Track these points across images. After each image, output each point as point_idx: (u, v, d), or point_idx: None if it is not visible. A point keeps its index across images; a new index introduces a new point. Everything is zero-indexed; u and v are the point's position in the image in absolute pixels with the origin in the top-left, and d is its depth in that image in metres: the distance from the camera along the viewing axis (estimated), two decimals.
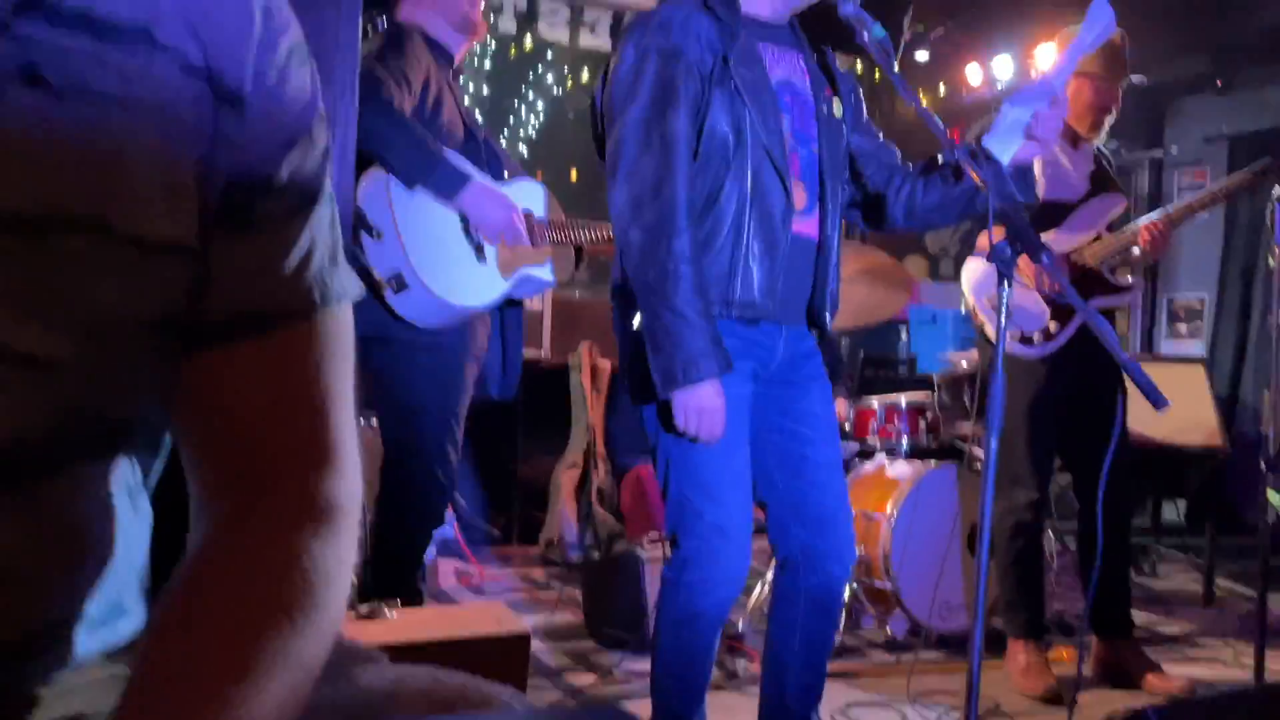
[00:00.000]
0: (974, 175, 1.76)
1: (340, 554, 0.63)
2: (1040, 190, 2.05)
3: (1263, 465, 2.73)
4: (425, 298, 2.30)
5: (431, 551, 3.82)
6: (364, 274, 2.31)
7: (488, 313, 2.54)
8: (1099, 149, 3.13)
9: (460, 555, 4.05)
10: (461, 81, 2.70)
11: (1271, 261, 2.73)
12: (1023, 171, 1.97)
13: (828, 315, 2.03)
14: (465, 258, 2.40)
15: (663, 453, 1.94)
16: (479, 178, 2.40)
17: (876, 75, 5.46)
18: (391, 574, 2.40)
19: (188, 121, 0.59)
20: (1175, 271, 6.50)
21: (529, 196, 2.58)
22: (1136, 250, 2.93)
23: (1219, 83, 5.93)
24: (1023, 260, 2.95)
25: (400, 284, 2.28)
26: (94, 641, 0.64)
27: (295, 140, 0.64)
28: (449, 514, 3.98)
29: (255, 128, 0.62)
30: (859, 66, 5.23)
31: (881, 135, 2.18)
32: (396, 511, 2.42)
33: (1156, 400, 1.48)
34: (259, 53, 0.62)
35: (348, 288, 0.68)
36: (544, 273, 2.60)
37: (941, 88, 5.89)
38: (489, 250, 2.45)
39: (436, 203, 2.34)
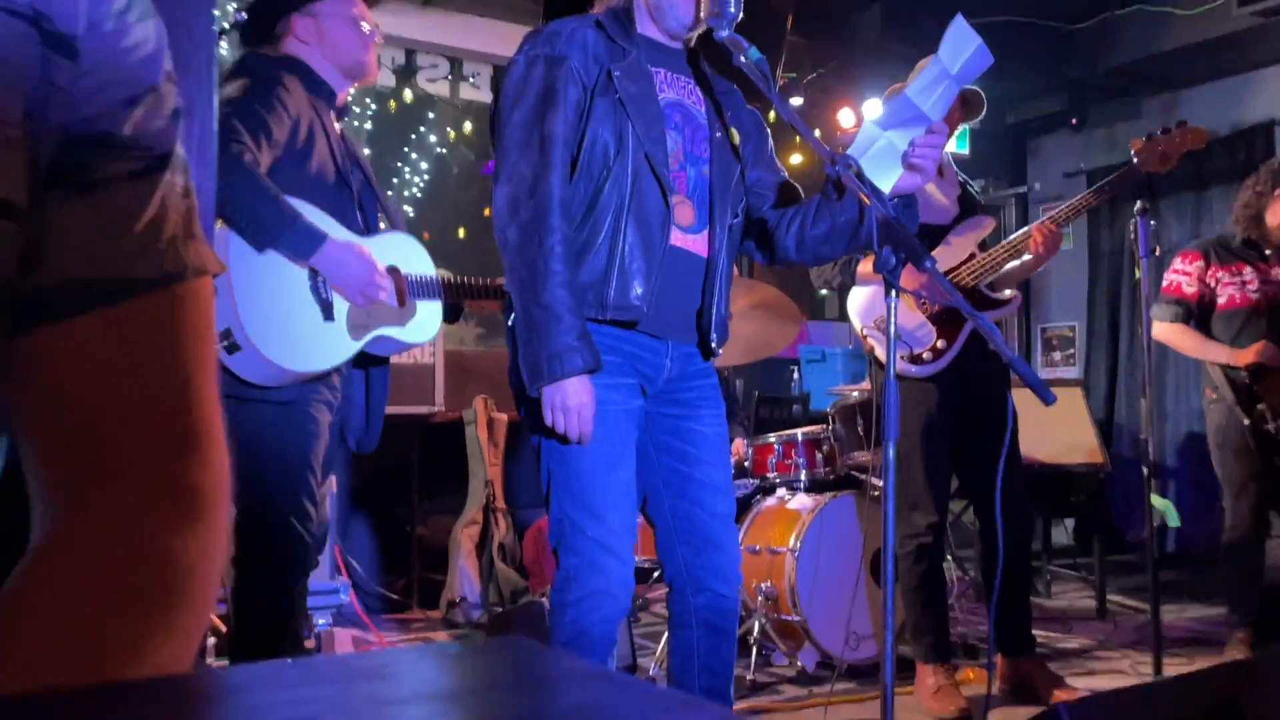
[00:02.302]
0: (857, 190, 1.78)
1: (204, 546, 0.57)
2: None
3: (1145, 470, 2.82)
4: (256, 359, 2.14)
5: (327, 620, 3.65)
6: None
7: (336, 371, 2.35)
8: (961, 176, 3.24)
9: (358, 623, 3.88)
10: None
11: (1138, 274, 2.85)
12: (907, 201, 1.99)
13: (714, 336, 2.02)
14: (309, 317, 2.23)
15: (545, 467, 1.94)
16: (339, 233, 2.26)
17: None
18: (259, 637, 2.24)
19: (11, 67, 0.53)
20: (1046, 301, 6.79)
21: (397, 251, 2.44)
22: (1028, 256, 3.02)
23: (1074, 121, 6.26)
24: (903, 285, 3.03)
25: (232, 344, 2.12)
26: None
27: (138, 96, 0.59)
28: (345, 582, 3.82)
29: (91, 79, 0.57)
30: None
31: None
32: (254, 570, 2.25)
33: (1043, 395, 1.51)
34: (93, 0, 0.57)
35: (206, 261, 0.62)
36: (403, 334, 2.42)
37: (817, 132, 6.07)
38: (339, 309, 2.29)
39: (283, 259, 2.19)
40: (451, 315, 2.62)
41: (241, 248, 2.15)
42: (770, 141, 2.19)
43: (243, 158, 2.08)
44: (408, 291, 2.42)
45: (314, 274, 2.25)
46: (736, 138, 2.07)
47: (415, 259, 2.48)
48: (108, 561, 0.54)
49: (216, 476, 0.59)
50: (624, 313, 1.90)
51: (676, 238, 1.95)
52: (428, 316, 2.48)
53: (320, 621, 3.59)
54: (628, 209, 1.89)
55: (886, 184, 1.91)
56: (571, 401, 1.80)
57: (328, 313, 2.27)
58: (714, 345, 2.02)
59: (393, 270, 2.41)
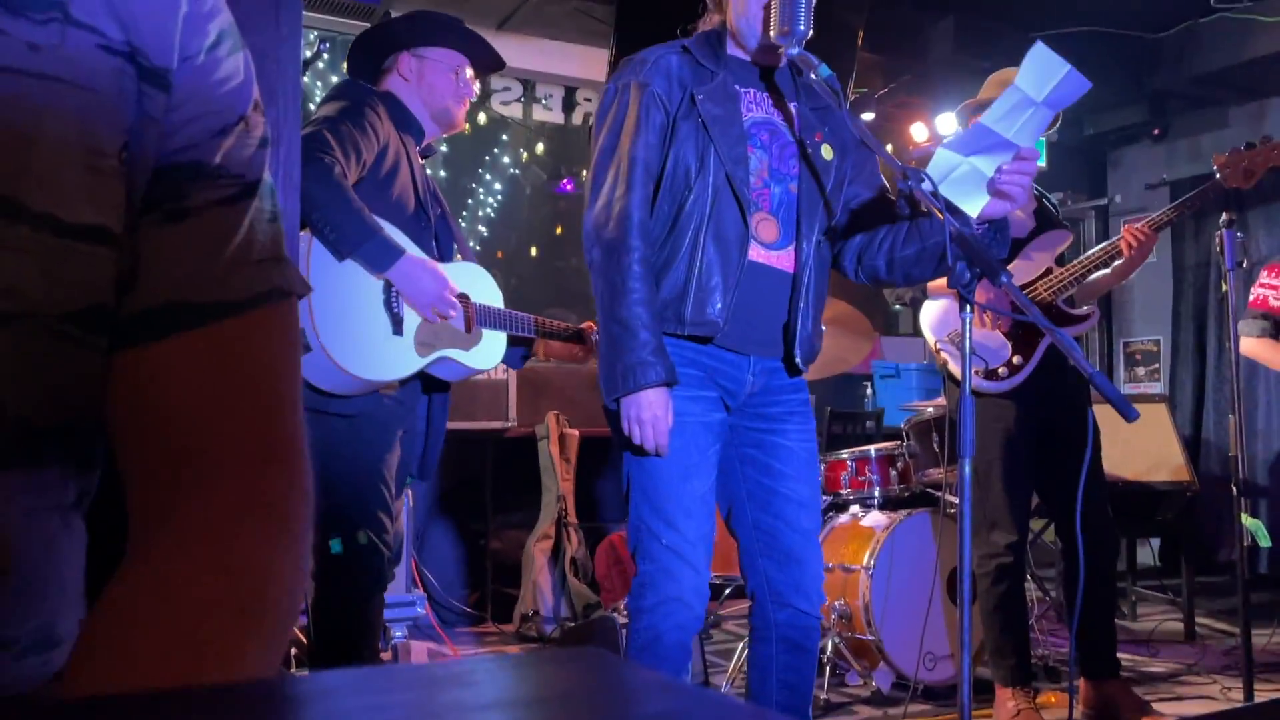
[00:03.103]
0: (929, 205, 1.77)
1: (290, 556, 0.59)
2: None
3: (1234, 489, 2.73)
4: (324, 362, 2.18)
5: (403, 632, 3.71)
6: None
7: (399, 384, 2.40)
8: (1037, 189, 3.18)
9: (433, 636, 3.93)
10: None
11: (1224, 287, 2.77)
12: (997, 226, 1.95)
13: (798, 352, 2.02)
14: (379, 328, 2.29)
15: (625, 474, 1.98)
16: (416, 252, 2.34)
17: None
18: (339, 649, 2.29)
19: (108, 101, 0.56)
20: (1128, 315, 6.62)
21: (469, 279, 2.51)
22: (1118, 261, 2.96)
23: (1156, 131, 6.11)
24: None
25: (304, 345, 2.17)
26: (21, 670, 0.58)
27: (228, 126, 0.62)
28: (420, 595, 3.88)
29: (183, 111, 0.60)
30: None
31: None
32: (334, 582, 2.32)
33: (1126, 411, 1.47)
34: (185, 33, 0.60)
35: (293, 283, 0.65)
36: (467, 359, 2.47)
37: (890, 147, 6.02)
38: (409, 324, 2.35)
39: (360, 269, 2.26)
40: (518, 359, 2.67)
41: (322, 254, 2.22)
42: (875, 157, 2.17)
43: (333, 169, 2.17)
44: (475, 319, 2.48)
45: (388, 287, 2.32)
46: (830, 154, 2.07)
47: (485, 289, 2.55)
48: (200, 570, 0.56)
49: (301, 489, 0.62)
50: (701, 328, 1.94)
51: (758, 254, 1.97)
52: (492, 345, 2.54)
53: (397, 634, 3.65)
54: (706, 227, 1.93)
55: (973, 209, 1.87)
56: (645, 414, 1.85)
57: (397, 326, 2.33)
58: (798, 360, 2.02)
59: (462, 297, 2.47)
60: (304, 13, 2.56)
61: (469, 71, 2.57)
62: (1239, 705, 2.91)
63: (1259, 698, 2.79)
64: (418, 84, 2.50)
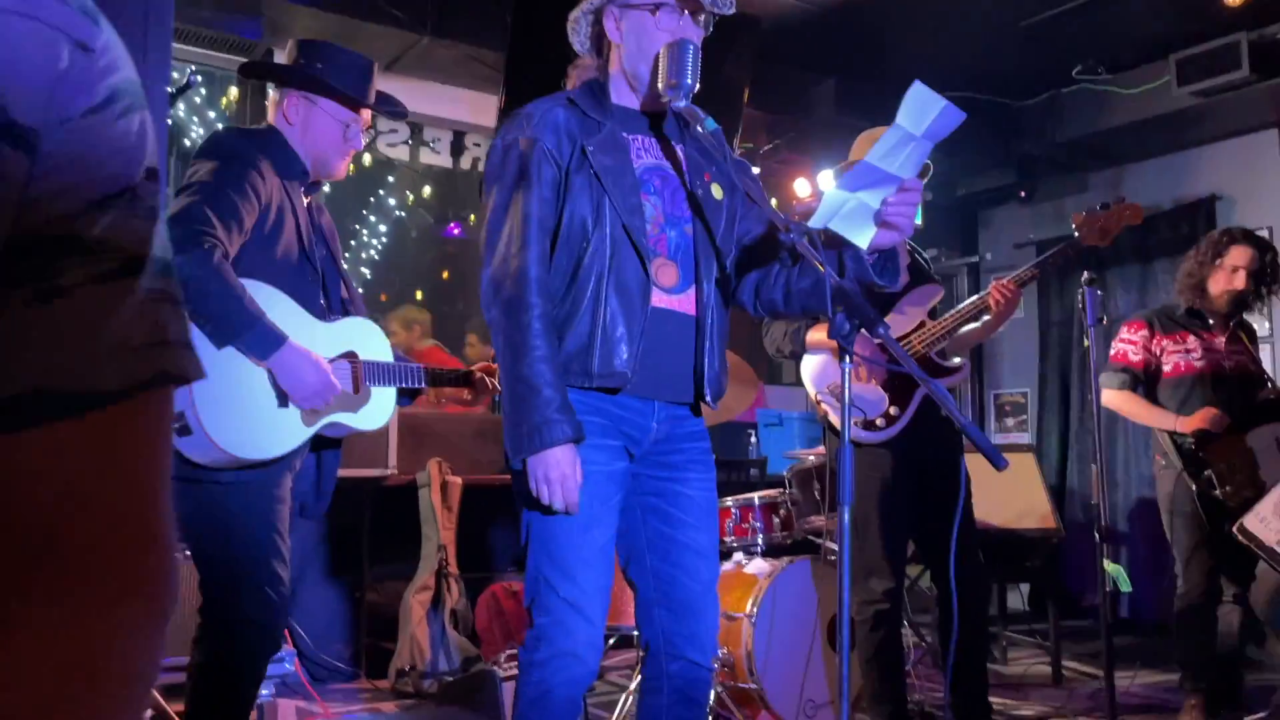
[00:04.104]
0: (811, 258, 1.80)
1: (151, 649, 0.55)
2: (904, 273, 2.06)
3: (1096, 536, 2.84)
4: (205, 443, 2.11)
5: (270, 691, 3.54)
6: None
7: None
8: (910, 244, 3.29)
9: (303, 693, 3.77)
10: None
11: (1086, 342, 2.91)
12: (888, 256, 1.98)
13: (708, 391, 2.01)
14: (263, 404, 2.22)
15: (525, 526, 1.94)
16: (301, 319, 2.27)
17: None
18: (222, 710, 2.19)
19: None
20: (998, 368, 6.90)
21: (356, 336, 2.43)
22: (988, 316, 3.08)
23: (1023, 194, 6.44)
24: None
25: (183, 427, 2.09)
26: None
27: (109, 197, 0.55)
28: (290, 650, 3.72)
29: (56, 178, 0.53)
30: None
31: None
32: (228, 642, 2.21)
33: (996, 460, 1.52)
34: (63, 91, 0.54)
35: (182, 369, 0.59)
36: (356, 420, 2.40)
37: (774, 202, 6.17)
38: None
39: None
40: (409, 396, 2.61)
41: (200, 333, 2.13)
42: (761, 193, 2.20)
43: (213, 253, 2.07)
44: (363, 377, 2.41)
45: None
46: (720, 193, 2.09)
47: (373, 344, 2.47)
48: (57, 665, 0.52)
49: (169, 578, 0.57)
50: (609, 380, 1.92)
51: (660, 300, 1.97)
52: (381, 403, 2.46)
53: (264, 692, 3.48)
54: (607, 278, 1.92)
55: (863, 241, 1.91)
56: (554, 472, 1.82)
57: (283, 400, 2.24)
58: (709, 399, 2.02)
59: (350, 355, 2.40)
60: (178, 45, 2.47)
61: (364, 117, 2.49)
62: None
63: None
64: (302, 127, 2.42)
